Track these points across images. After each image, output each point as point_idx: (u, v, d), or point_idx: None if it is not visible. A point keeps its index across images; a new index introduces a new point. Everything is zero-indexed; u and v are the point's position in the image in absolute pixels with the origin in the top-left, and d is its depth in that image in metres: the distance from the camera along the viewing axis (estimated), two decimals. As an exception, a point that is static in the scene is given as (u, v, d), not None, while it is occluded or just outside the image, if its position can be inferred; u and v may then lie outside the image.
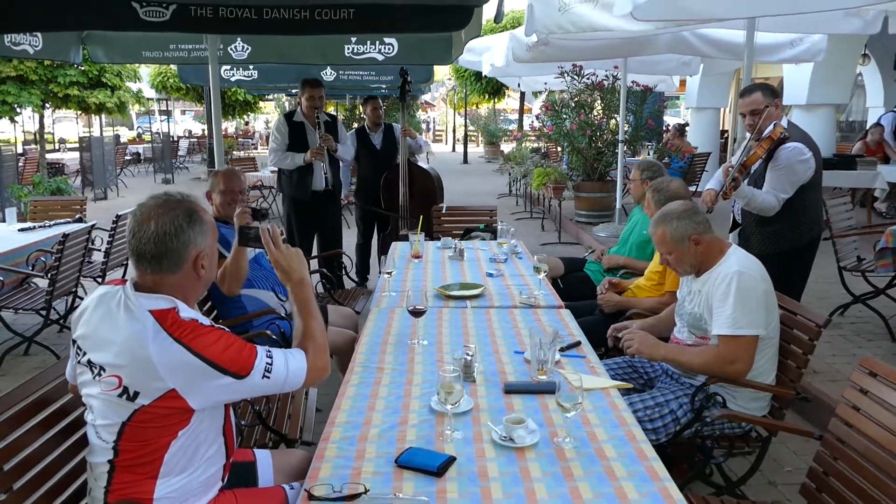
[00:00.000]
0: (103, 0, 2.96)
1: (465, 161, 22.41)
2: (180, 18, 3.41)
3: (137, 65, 12.81)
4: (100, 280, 5.45)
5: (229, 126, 29.55)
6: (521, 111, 18.42)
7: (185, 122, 38.88)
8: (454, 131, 29.53)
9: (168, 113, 28.30)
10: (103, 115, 15.09)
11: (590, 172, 9.22)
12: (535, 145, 14.63)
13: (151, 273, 1.78)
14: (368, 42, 6.67)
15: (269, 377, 1.79)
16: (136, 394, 1.69)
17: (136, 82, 13.95)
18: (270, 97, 23.05)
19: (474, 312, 3.23)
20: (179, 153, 19.22)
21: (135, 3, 3.35)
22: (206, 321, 1.77)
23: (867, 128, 10.49)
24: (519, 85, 14.01)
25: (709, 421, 2.52)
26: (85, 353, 1.78)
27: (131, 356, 1.68)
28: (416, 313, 2.82)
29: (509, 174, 12.73)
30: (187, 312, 1.76)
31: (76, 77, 11.77)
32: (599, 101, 9.02)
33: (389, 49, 6.75)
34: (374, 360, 2.63)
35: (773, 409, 2.67)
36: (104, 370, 1.72)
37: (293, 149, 5.62)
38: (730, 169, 3.63)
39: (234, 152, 19.40)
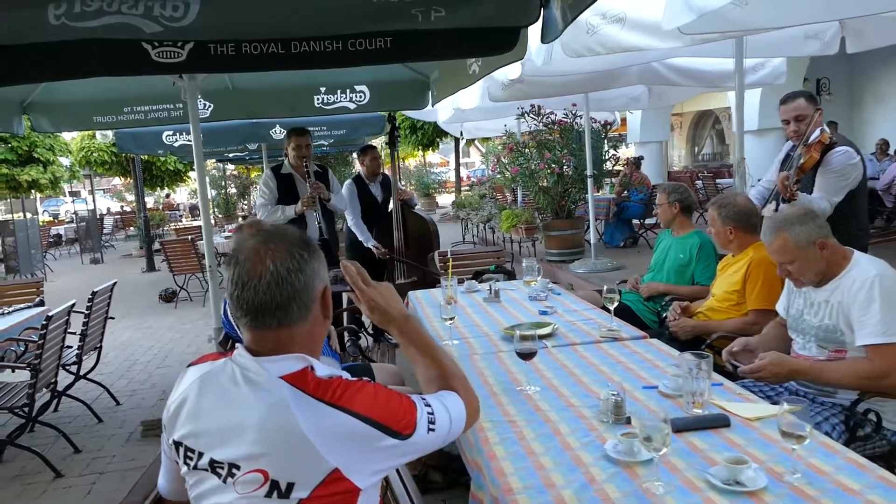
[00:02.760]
0: (110, 42, 2.57)
1: (402, 215, 22.17)
2: (197, 57, 3.07)
3: (73, 137, 12.04)
4: (74, 369, 4.84)
5: (149, 199, 28.39)
6: (458, 159, 18.49)
7: (98, 199, 37.16)
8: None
9: (77, 193, 26.91)
10: (36, 194, 14.09)
11: (558, 211, 9.16)
12: (482, 192, 14.61)
13: (278, 327, 1.39)
14: (339, 91, 6.45)
15: (433, 429, 1.44)
16: (291, 486, 1.30)
17: (67, 157, 13.11)
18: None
19: (563, 351, 2.93)
20: (105, 231, 18.15)
21: (146, 45, 2.99)
22: (347, 374, 1.42)
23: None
24: (462, 134, 14.04)
25: (873, 438, 2.30)
26: (202, 455, 1.37)
27: (276, 438, 1.30)
28: (527, 355, 2.51)
29: (463, 220, 12.58)
30: (323, 369, 1.39)
31: (4, 154, 10.88)
32: (559, 139, 9.03)
33: (361, 97, 6.54)
34: (496, 412, 2.29)
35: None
36: (238, 467, 1.32)
37: (283, 202, 5.26)
38: (787, 177, 3.51)
39: (169, 224, 18.55)
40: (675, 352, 2.83)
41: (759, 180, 4.46)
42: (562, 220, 9.19)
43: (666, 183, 4.38)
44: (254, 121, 10.07)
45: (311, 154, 5.31)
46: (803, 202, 3.53)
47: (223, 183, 19.09)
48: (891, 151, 11.02)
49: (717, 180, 12.84)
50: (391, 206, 6.03)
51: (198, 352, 6.57)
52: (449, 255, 5.44)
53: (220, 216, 17.89)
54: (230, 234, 9.72)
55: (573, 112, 8.97)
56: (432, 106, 6.58)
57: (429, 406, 1.46)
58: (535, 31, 2.84)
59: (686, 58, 6.72)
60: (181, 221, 24.63)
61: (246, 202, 20.57)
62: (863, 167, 3.65)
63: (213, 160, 20.58)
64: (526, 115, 8.93)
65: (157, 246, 11.68)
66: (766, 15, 3.43)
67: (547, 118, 9.02)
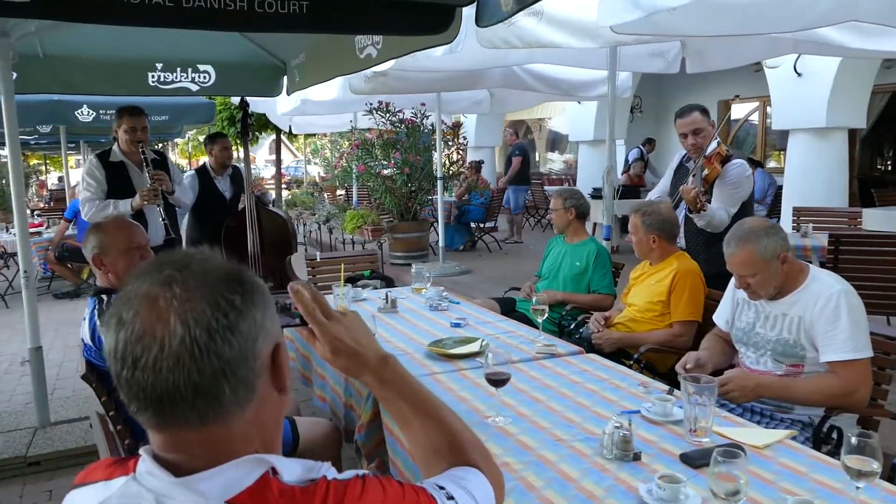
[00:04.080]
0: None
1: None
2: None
3: None
4: None
5: None
6: (279, 155, 17.52)
7: None
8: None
9: None
10: None
11: (403, 212, 8.88)
12: (309, 190, 13.95)
13: (202, 424, 0.86)
14: (179, 69, 5.66)
15: None
16: None
17: None
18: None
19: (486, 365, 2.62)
20: None
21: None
22: (332, 470, 0.94)
23: (628, 161, 11.71)
24: (290, 128, 13.28)
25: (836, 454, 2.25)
26: None
27: None
28: (498, 382, 2.17)
29: (296, 220, 11.86)
30: (292, 468, 0.90)
31: None
32: (407, 139, 8.76)
33: (205, 78, 5.79)
34: (477, 454, 1.92)
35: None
36: None
37: (114, 195, 4.37)
38: (694, 189, 3.50)
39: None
40: (624, 368, 2.65)
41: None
42: (407, 222, 8.92)
43: (561, 188, 4.28)
44: (54, 98, 8.70)
45: (147, 138, 4.50)
46: (711, 213, 3.56)
47: (-1, 170, 16.42)
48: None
49: (545, 187, 13.34)
50: (242, 203, 5.33)
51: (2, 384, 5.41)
52: (318, 258, 4.92)
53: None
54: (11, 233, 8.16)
55: (422, 111, 8.74)
56: (287, 94, 6.00)
57: (451, 499, 1.02)
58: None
59: (544, 64, 6.77)
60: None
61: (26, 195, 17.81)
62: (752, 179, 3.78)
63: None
64: (374, 111, 8.54)
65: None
66: (697, 24, 3.41)
67: (394, 116, 8.70)
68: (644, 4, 2.75)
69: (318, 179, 23.24)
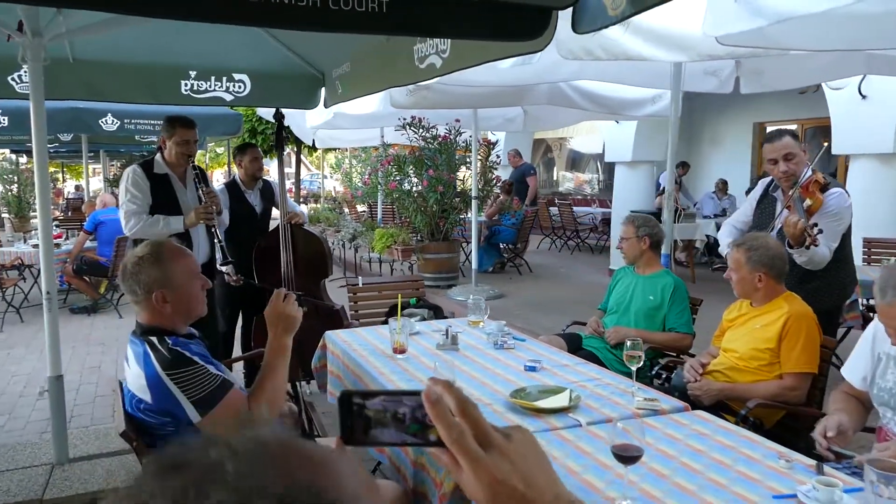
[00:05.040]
0: None
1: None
2: None
3: None
4: None
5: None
6: (298, 169, 17.26)
7: None
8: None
9: None
10: None
11: (434, 232, 8.53)
12: (331, 206, 13.64)
13: None
14: (213, 77, 5.37)
15: None
16: None
17: None
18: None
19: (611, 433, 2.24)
20: None
21: None
22: None
23: (660, 185, 11.34)
24: (314, 142, 12.99)
25: None
26: None
27: None
28: (628, 458, 1.78)
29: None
30: None
31: None
32: (440, 155, 8.42)
33: (240, 87, 5.50)
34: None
35: None
36: None
37: (158, 210, 4.09)
38: (801, 223, 3.12)
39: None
40: (749, 433, 2.25)
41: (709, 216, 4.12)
42: (438, 242, 8.56)
43: (634, 214, 3.90)
44: (79, 105, 8.44)
45: (196, 151, 4.22)
46: (814, 249, 3.18)
47: (15, 178, 16.19)
48: (730, 192, 11.74)
49: (574, 208, 12.97)
50: (275, 222, 4.96)
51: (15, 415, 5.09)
52: (360, 284, 4.56)
53: (12, 218, 15.07)
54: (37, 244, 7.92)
55: (457, 128, 8.42)
56: (325, 106, 5.69)
57: None
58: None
59: (591, 81, 6.44)
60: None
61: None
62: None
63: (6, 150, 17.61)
64: (408, 126, 8.22)
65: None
66: (801, 37, 3.06)
67: (428, 132, 8.38)
68: (768, 12, 2.40)
69: (335, 194, 22.98)
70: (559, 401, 2.47)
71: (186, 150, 4.08)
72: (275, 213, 5.10)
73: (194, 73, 5.28)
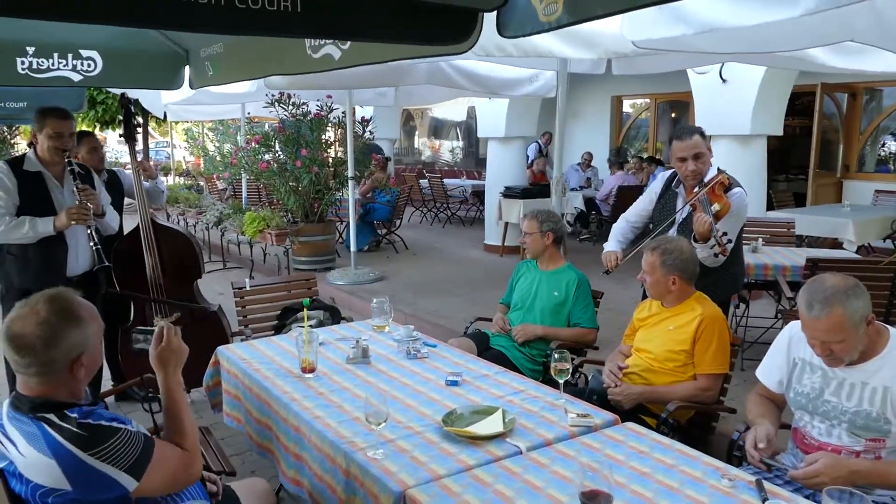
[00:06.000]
0: None
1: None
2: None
3: None
4: None
5: None
6: (146, 143, 15.88)
7: None
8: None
9: None
10: None
11: (308, 213, 8.16)
12: (188, 182, 12.76)
13: None
14: (56, 55, 4.72)
15: None
16: None
17: None
18: None
19: (553, 460, 2.18)
20: None
21: None
22: None
23: (528, 157, 11.56)
24: (165, 115, 12.01)
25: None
26: None
27: None
28: (598, 505, 1.71)
29: (178, 219, 10.73)
30: None
31: None
32: (311, 133, 8.03)
33: (90, 66, 4.87)
34: None
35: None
36: None
37: (28, 212, 3.63)
38: (712, 225, 3.18)
39: None
40: (689, 450, 2.27)
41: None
42: (313, 224, 8.21)
43: (537, 209, 3.86)
44: None
45: (72, 146, 3.74)
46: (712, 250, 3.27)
47: None
48: (594, 164, 12.21)
49: (444, 180, 12.94)
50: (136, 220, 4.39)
51: None
52: (247, 286, 4.21)
53: None
54: None
55: (329, 104, 8.04)
56: (192, 88, 5.17)
57: None
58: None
59: (471, 61, 6.34)
60: None
61: None
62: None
63: None
64: (276, 103, 7.74)
65: None
66: (718, 42, 3.08)
67: (298, 109, 7.94)
68: (693, 21, 2.37)
69: (185, 164, 21.53)
70: (494, 425, 2.37)
71: (60, 143, 3.65)
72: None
73: (32, 48, 4.61)
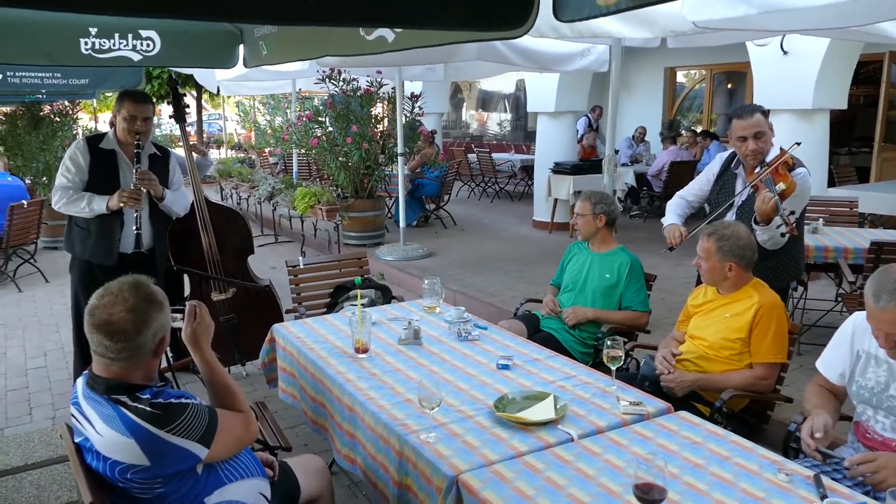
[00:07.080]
0: None
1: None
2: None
3: None
4: None
5: None
6: (200, 116, 16.18)
7: None
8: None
9: None
10: None
11: (358, 189, 8.23)
12: (240, 156, 12.97)
13: None
14: (117, 35, 4.80)
15: None
16: None
17: None
18: None
19: (606, 448, 2.18)
20: None
21: None
22: None
23: (578, 132, 11.37)
24: (219, 89, 12.21)
25: None
26: None
27: None
28: (651, 502, 1.71)
29: (230, 193, 10.95)
30: None
31: None
32: (361, 109, 8.06)
33: (149, 46, 4.94)
34: None
35: None
36: None
37: (95, 188, 3.82)
38: (777, 206, 3.09)
39: None
40: (744, 441, 2.24)
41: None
42: (363, 200, 8.28)
43: (590, 191, 3.81)
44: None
45: (149, 130, 3.91)
46: (775, 230, 3.19)
47: None
48: (647, 139, 11.96)
49: (493, 154, 12.86)
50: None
51: None
52: (301, 265, 4.29)
53: None
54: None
55: (378, 80, 8.05)
56: (245, 66, 5.24)
57: None
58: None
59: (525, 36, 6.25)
60: None
61: None
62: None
63: None
64: (327, 79, 7.78)
65: None
66: (782, 20, 2.97)
67: (348, 85, 7.97)
68: (758, 2, 2.29)
69: (237, 138, 21.88)
70: (546, 411, 2.38)
71: (133, 126, 3.80)
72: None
73: (95, 29, 4.70)
